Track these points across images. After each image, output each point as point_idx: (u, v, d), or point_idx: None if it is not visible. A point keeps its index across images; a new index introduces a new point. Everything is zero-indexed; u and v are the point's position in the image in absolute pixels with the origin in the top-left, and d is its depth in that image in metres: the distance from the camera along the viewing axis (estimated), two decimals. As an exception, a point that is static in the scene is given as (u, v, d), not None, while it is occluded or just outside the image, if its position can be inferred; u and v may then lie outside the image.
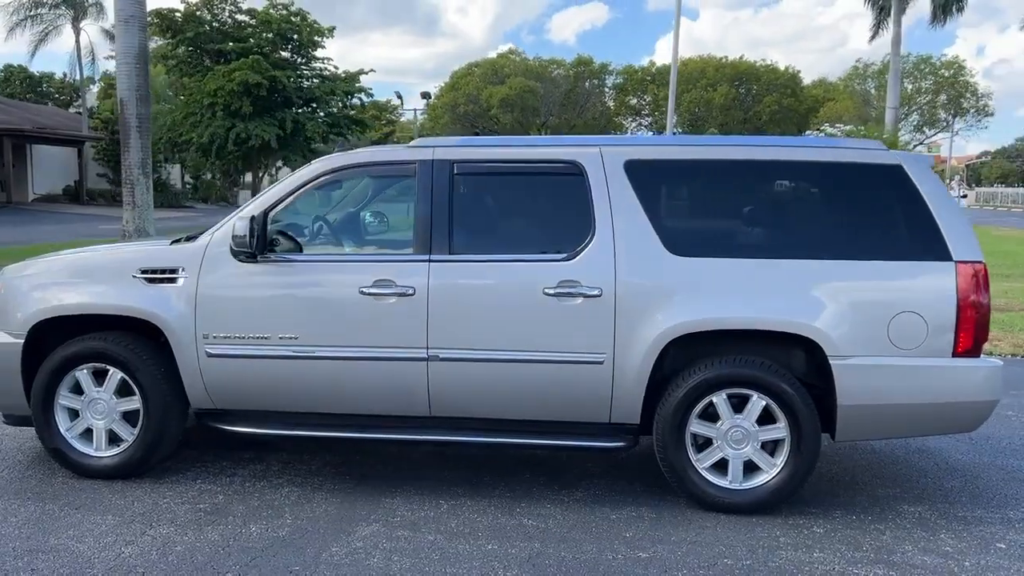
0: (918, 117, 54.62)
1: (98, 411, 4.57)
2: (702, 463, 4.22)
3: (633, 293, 4.16)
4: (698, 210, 4.43)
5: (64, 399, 4.57)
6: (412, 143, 4.64)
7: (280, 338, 4.36)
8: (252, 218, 4.24)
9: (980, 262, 4.05)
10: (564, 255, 4.25)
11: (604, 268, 4.19)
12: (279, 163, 34.19)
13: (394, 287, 4.27)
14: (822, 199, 4.35)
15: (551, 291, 4.20)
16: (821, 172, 4.31)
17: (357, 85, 31.82)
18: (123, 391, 4.54)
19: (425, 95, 53.54)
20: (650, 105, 57.87)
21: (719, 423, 4.19)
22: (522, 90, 53.14)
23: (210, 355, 4.40)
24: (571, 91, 57.85)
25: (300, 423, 4.51)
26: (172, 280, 4.45)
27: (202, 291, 4.40)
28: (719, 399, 4.17)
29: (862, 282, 4.11)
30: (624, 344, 4.16)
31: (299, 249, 4.55)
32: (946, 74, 52.88)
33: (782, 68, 54.77)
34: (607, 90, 60.34)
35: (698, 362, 4.19)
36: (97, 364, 4.52)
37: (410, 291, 4.26)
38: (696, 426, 4.20)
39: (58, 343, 4.57)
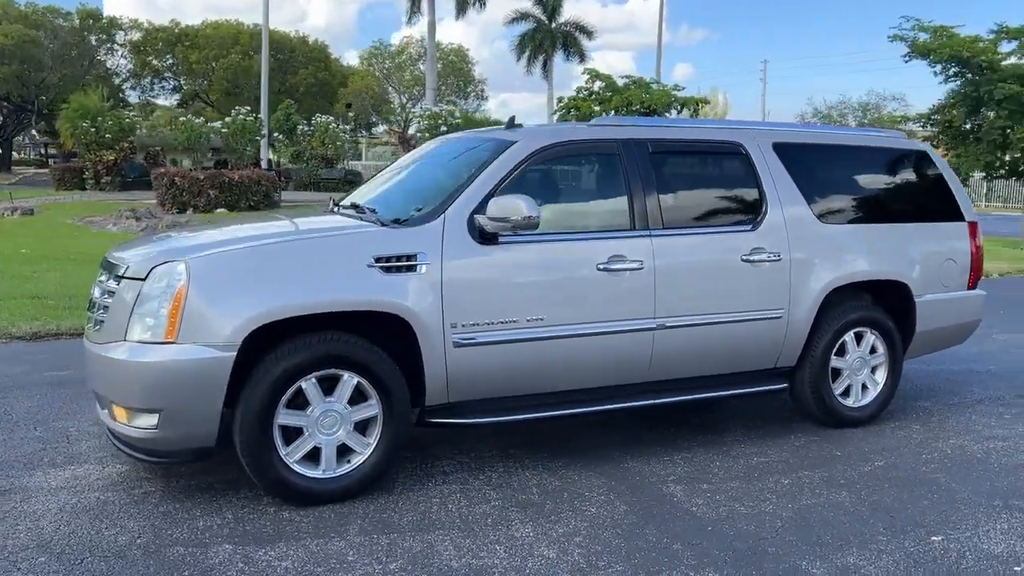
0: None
1: (328, 425, 3.90)
2: (836, 390, 5.25)
3: (800, 255, 4.97)
4: (825, 184, 5.32)
5: (284, 417, 3.81)
6: (594, 122, 4.78)
7: (528, 320, 4.25)
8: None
9: (976, 221, 5.73)
10: (749, 225, 4.89)
11: (780, 235, 4.93)
12: None
13: (626, 262, 4.47)
14: (891, 175, 5.63)
15: (746, 258, 4.81)
16: (887, 155, 5.60)
17: None
18: (354, 398, 3.96)
19: None
20: (173, 68, 54.01)
21: (846, 356, 5.26)
22: (21, 39, 45.51)
23: (457, 345, 4.09)
24: (76, 45, 51.24)
25: (530, 406, 4.42)
26: (412, 268, 4.00)
27: (448, 278, 4.05)
28: (849, 337, 5.23)
29: (925, 239, 5.50)
30: (795, 299, 4.97)
31: None
32: (454, 60, 59.01)
33: (311, 41, 55.64)
34: (118, 47, 54.63)
35: (832, 309, 5.17)
36: (327, 371, 3.86)
37: (640, 265, 4.50)
38: (834, 361, 5.21)
39: (254, 351, 3.78)
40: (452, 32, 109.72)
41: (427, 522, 3.75)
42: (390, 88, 60.29)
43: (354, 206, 4.74)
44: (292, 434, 3.85)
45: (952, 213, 5.65)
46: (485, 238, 4.15)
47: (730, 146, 4.99)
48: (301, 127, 31.82)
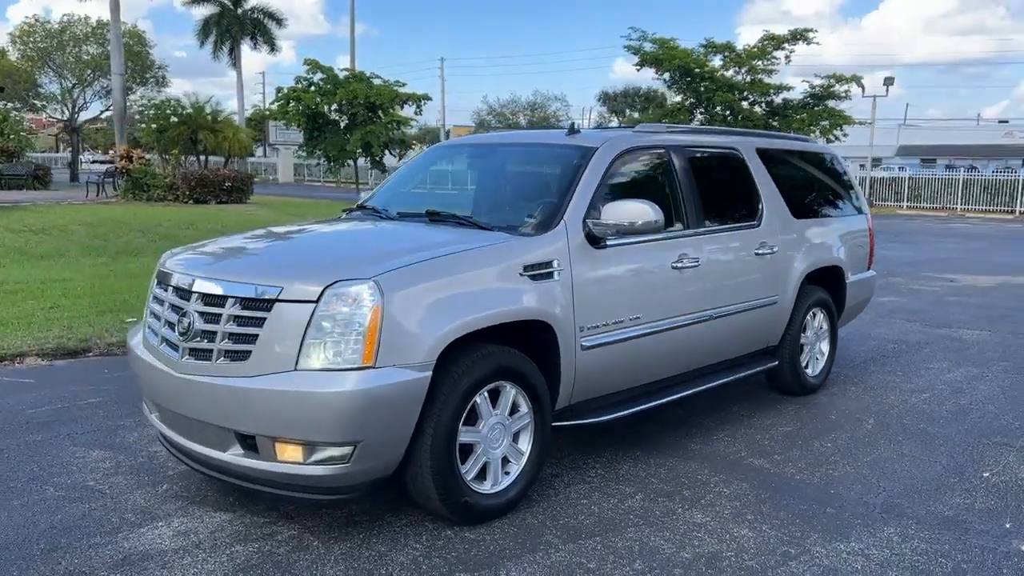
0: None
1: (494, 439, 3.82)
2: (802, 363, 6.06)
3: (785, 247, 5.69)
4: (791, 184, 6.01)
5: (463, 435, 3.68)
6: (640, 128, 5.05)
7: (630, 319, 4.46)
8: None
9: (869, 213, 6.88)
10: (755, 222, 5.49)
11: (774, 230, 5.60)
12: None
13: (688, 260, 4.84)
14: (824, 174, 6.52)
15: (757, 251, 5.42)
16: (819, 159, 6.51)
17: None
18: (512, 409, 3.92)
19: None
20: None
21: (807, 332, 6.08)
22: None
23: (584, 348, 4.20)
24: None
25: (623, 401, 4.60)
26: (549, 275, 4.03)
27: (576, 282, 4.14)
28: (810, 316, 6.06)
29: (845, 230, 6.50)
30: (784, 286, 5.68)
31: None
32: (130, 42, 53.73)
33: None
34: None
35: (801, 293, 5.93)
36: (495, 383, 3.78)
37: (697, 262, 4.90)
38: (802, 339, 6.01)
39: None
40: (81, 7, 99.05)
41: (606, 522, 3.83)
42: (50, 71, 53.37)
43: (429, 213, 4.56)
44: (465, 452, 3.72)
45: (856, 206, 6.73)
46: (593, 242, 4.27)
47: (732, 151, 5.54)
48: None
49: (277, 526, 3.72)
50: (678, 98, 21.40)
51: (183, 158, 25.01)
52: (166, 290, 3.92)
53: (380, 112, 31.41)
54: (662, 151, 4.95)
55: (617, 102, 73.23)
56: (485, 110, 69.11)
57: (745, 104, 20.58)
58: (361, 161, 33.11)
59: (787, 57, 20.72)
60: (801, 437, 5.13)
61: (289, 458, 3.38)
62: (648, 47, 20.34)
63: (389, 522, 3.77)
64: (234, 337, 3.48)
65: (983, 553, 3.58)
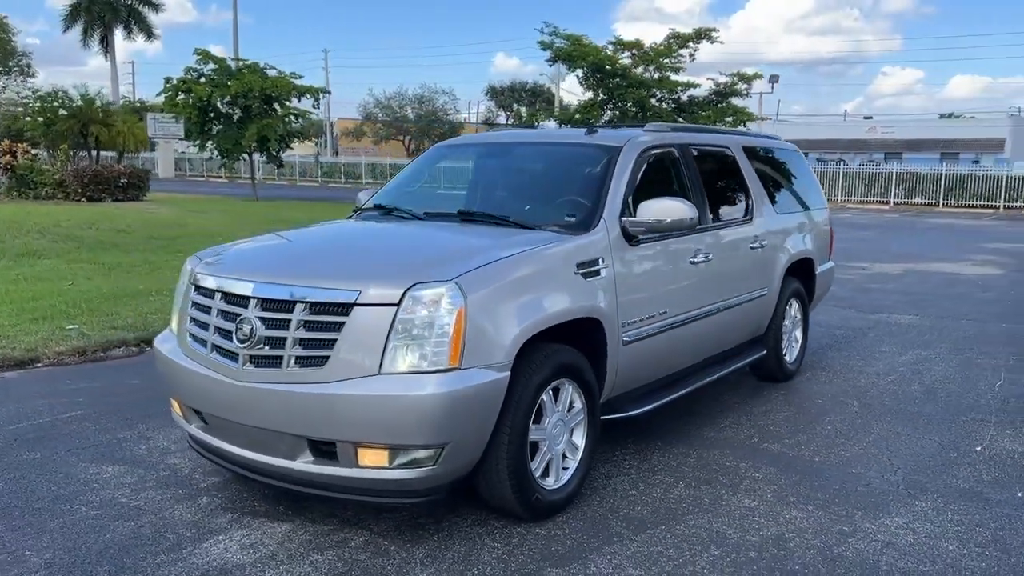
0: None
1: (557, 435, 3.88)
2: (783, 350, 6.36)
3: (772, 241, 5.96)
4: (770, 180, 6.27)
5: (533, 433, 3.72)
6: (648, 128, 5.17)
7: (660, 314, 4.59)
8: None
9: (827, 207, 7.27)
10: (748, 217, 5.72)
11: (764, 225, 5.86)
12: None
13: (701, 255, 5.02)
14: (794, 170, 6.83)
15: (751, 246, 5.67)
16: (790, 155, 6.82)
17: None
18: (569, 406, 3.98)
19: None
20: None
21: (786, 321, 6.39)
22: None
23: (625, 343, 4.31)
24: None
25: (651, 391, 4.74)
26: (596, 273, 4.11)
27: (618, 280, 4.24)
28: (787, 306, 6.37)
29: (812, 223, 6.85)
30: (770, 278, 5.95)
31: None
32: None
33: None
34: None
35: (783, 284, 6.23)
36: (558, 381, 3.84)
37: (707, 257, 5.09)
38: (782, 327, 6.31)
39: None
40: None
41: (663, 512, 3.94)
42: None
43: (461, 213, 4.55)
44: (533, 450, 3.76)
45: (816, 201, 7.10)
46: (628, 239, 4.37)
47: (725, 150, 5.75)
48: None
49: (345, 533, 3.65)
50: (588, 94, 21.85)
51: (73, 153, 23.60)
52: (211, 296, 3.77)
53: (276, 105, 30.58)
54: (673, 149, 5.10)
55: (504, 97, 73.72)
56: (372, 103, 68.30)
57: (654, 101, 21.23)
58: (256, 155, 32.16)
59: (691, 55, 21.54)
60: (801, 421, 5.39)
61: (371, 463, 3.33)
62: (560, 43, 20.68)
63: (455, 523, 3.77)
64: (306, 343, 3.40)
65: (1011, 521, 3.89)
